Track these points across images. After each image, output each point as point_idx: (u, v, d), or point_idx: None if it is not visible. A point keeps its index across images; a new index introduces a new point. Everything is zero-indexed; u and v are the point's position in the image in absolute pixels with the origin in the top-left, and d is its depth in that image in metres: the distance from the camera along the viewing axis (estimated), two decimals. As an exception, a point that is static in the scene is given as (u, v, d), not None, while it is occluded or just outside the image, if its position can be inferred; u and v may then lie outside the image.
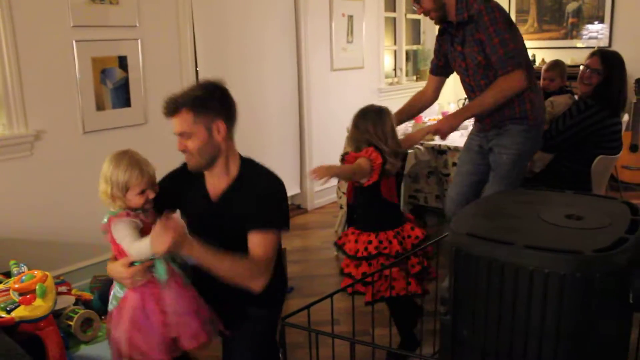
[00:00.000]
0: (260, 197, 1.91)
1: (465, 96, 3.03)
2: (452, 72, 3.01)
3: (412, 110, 3.07)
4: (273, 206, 1.92)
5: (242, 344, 2.01)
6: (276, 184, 1.96)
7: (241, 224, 1.89)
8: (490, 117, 2.80)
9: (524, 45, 2.73)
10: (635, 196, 5.27)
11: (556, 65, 3.93)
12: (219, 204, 1.99)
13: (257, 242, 1.87)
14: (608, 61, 3.14)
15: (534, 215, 1.58)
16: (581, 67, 3.30)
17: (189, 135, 1.88)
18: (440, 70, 3.00)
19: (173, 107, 1.87)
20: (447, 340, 1.57)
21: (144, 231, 1.88)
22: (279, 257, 2.01)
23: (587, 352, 1.38)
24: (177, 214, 2.01)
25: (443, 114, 2.92)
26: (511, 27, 2.65)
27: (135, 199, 1.88)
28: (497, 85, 2.65)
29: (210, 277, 1.84)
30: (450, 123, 2.69)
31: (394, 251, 2.46)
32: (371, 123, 2.50)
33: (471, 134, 3.01)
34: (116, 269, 1.88)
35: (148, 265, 1.85)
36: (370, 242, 2.48)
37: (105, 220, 1.91)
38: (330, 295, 1.80)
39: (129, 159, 1.87)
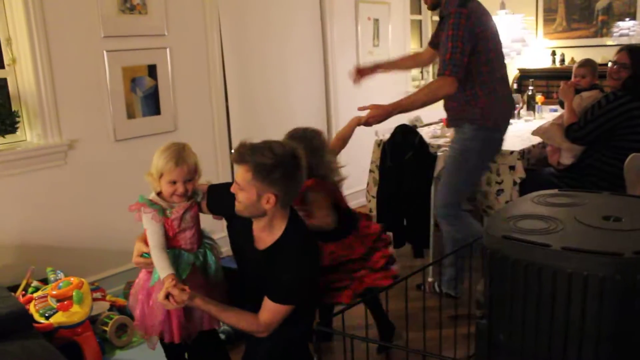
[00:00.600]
0: (286, 271, 1.95)
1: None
2: None
3: (404, 63, 3.42)
4: (294, 284, 1.95)
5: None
6: (306, 261, 1.99)
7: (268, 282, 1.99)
8: (448, 115, 3.05)
9: (488, 64, 2.87)
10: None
11: (587, 62, 3.91)
12: (263, 255, 2.05)
13: (268, 308, 1.96)
14: (636, 56, 3.09)
15: (570, 217, 1.56)
16: (609, 64, 3.29)
17: (241, 188, 1.92)
18: (434, 45, 3.18)
19: (239, 158, 1.91)
20: (483, 344, 1.56)
21: (167, 225, 2.05)
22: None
23: (628, 355, 1.35)
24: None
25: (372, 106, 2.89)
26: (470, 39, 2.75)
27: (165, 187, 2.05)
28: (430, 85, 2.86)
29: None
30: (380, 114, 2.73)
31: (358, 254, 2.47)
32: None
33: None
34: (134, 247, 2.10)
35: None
36: (332, 252, 2.43)
37: (139, 200, 2.08)
38: (363, 300, 1.80)
39: (174, 150, 2.05)
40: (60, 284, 2.52)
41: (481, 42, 2.81)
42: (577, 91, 3.56)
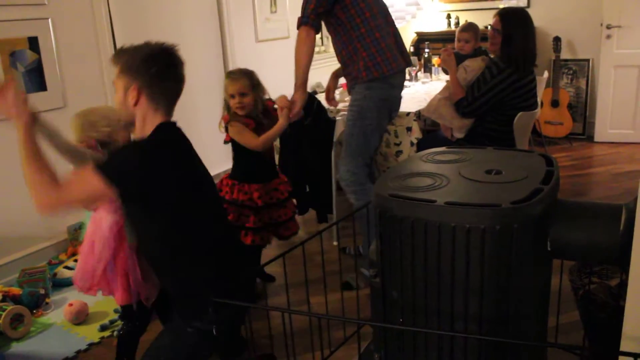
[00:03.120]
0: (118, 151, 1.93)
1: None
2: None
3: None
4: (117, 158, 1.82)
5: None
6: (136, 148, 1.85)
7: None
8: (346, 81, 3.10)
9: (360, 15, 2.88)
10: (558, 150, 5.50)
11: (469, 27, 4.00)
12: None
13: (79, 174, 1.82)
14: (507, 19, 3.16)
15: (455, 173, 1.61)
16: (488, 28, 3.34)
17: (115, 90, 1.88)
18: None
19: (113, 58, 1.88)
20: (377, 302, 1.59)
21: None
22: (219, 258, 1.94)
23: (512, 302, 1.43)
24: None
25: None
26: None
27: None
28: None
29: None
30: (298, 102, 2.85)
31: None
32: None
33: None
34: None
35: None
36: (258, 190, 2.82)
37: None
38: (261, 267, 1.78)
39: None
40: (-60, 277, 2.34)
41: None
42: (462, 58, 3.60)
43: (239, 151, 2.81)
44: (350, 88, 3.06)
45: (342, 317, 2.34)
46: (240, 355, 2.46)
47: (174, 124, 1.90)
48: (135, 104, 1.82)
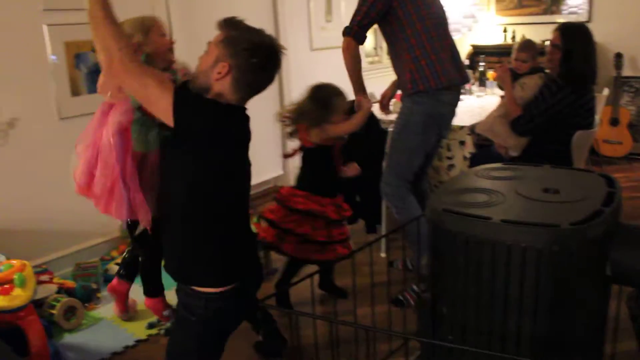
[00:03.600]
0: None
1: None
2: None
3: None
4: (192, 93, 1.82)
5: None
6: (213, 105, 1.81)
7: None
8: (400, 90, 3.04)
9: (412, 26, 2.82)
10: (616, 170, 5.31)
11: (528, 46, 3.90)
12: None
13: (160, 75, 1.84)
14: (568, 35, 3.06)
15: (511, 190, 1.58)
16: (545, 43, 3.25)
17: (207, 51, 1.83)
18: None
19: (222, 24, 1.84)
20: (426, 317, 1.58)
21: None
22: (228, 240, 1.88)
23: (566, 325, 1.39)
24: None
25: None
26: (380, 3, 2.78)
27: (158, 42, 2.18)
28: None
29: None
30: (362, 113, 2.82)
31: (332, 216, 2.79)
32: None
33: None
34: None
35: None
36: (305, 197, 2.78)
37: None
38: (310, 276, 1.79)
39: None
40: (1, 267, 2.44)
41: (400, 6, 2.80)
42: (517, 75, 3.52)
43: (315, 162, 2.81)
44: (401, 100, 3.04)
45: (390, 330, 2.32)
46: (280, 354, 2.48)
47: (244, 109, 1.88)
48: (219, 79, 1.78)
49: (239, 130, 1.84)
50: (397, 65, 2.95)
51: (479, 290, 1.42)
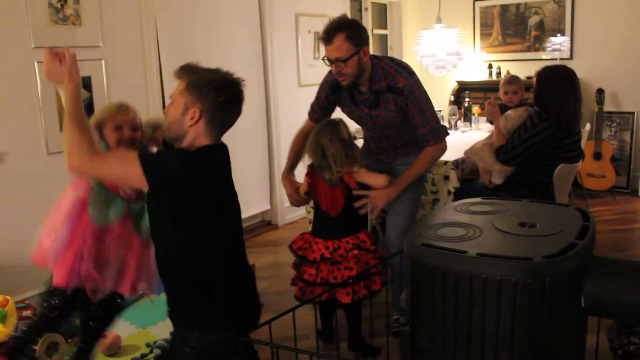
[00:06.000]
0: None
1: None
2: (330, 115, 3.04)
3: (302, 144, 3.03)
4: (158, 153, 1.97)
5: None
6: (181, 154, 1.88)
7: None
8: (400, 151, 2.93)
9: None
10: (600, 203, 5.38)
11: (514, 79, 4.00)
12: None
13: (119, 151, 1.99)
14: (542, 82, 3.15)
15: (489, 224, 1.61)
16: (532, 78, 3.37)
17: (172, 101, 1.90)
18: (322, 118, 3.00)
19: (180, 72, 1.92)
20: (406, 351, 1.59)
21: None
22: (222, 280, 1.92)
23: (541, 354, 1.40)
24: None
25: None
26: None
27: (110, 135, 2.10)
28: (429, 155, 2.76)
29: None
30: (387, 195, 2.72)
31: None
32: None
33: (372, 160, 2.97)
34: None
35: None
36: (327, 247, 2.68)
37: None
38: (293, 310, 1.80)
39: (113, 103, 2.18)
40: (-16, 303, 2.43)
41: None
42: (507, 109, 3.61)
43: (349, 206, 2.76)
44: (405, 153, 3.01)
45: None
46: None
47: (222, 146, 1.94)
48: (192, 125, 1.84)
49: (215, 169, 1.89)
50: (408, 139, 2.88)
51: (456, 324, 1.44)
